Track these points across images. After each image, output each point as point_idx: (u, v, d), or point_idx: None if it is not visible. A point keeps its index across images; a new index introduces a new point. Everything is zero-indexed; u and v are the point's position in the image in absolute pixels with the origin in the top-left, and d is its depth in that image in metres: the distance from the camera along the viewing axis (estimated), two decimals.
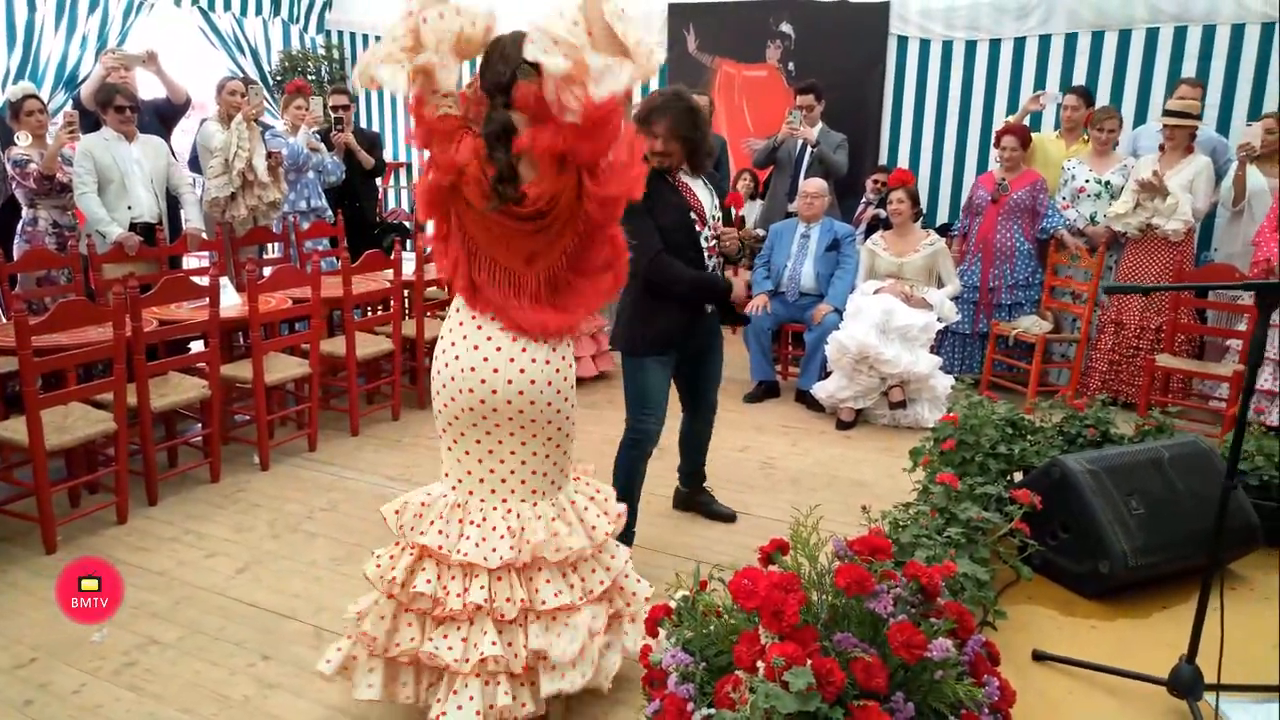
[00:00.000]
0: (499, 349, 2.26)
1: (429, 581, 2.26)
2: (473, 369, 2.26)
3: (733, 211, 3.49)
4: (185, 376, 4.19)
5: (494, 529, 2.29)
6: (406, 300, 5.51)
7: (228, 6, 7.73)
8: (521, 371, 2.26)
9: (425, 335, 5.31)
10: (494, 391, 2.26)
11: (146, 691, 2.62)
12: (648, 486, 3.44)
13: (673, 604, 2.09)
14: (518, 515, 2.32)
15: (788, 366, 5.97)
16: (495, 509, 2.33)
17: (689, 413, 3.70)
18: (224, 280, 4.33)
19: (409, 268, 5.20)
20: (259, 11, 8.05)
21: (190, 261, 5.75)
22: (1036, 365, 5.36)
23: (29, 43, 6.24)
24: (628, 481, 3.33)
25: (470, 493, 2.34)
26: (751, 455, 4.63)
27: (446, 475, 2.40)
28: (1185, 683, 2.40)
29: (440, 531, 2.29)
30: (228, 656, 2.80)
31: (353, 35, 8.88)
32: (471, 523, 2.31)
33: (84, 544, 3.54)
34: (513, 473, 2.34)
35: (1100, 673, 2.62)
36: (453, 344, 2.31)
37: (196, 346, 4.92)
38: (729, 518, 3.81)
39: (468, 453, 2.34)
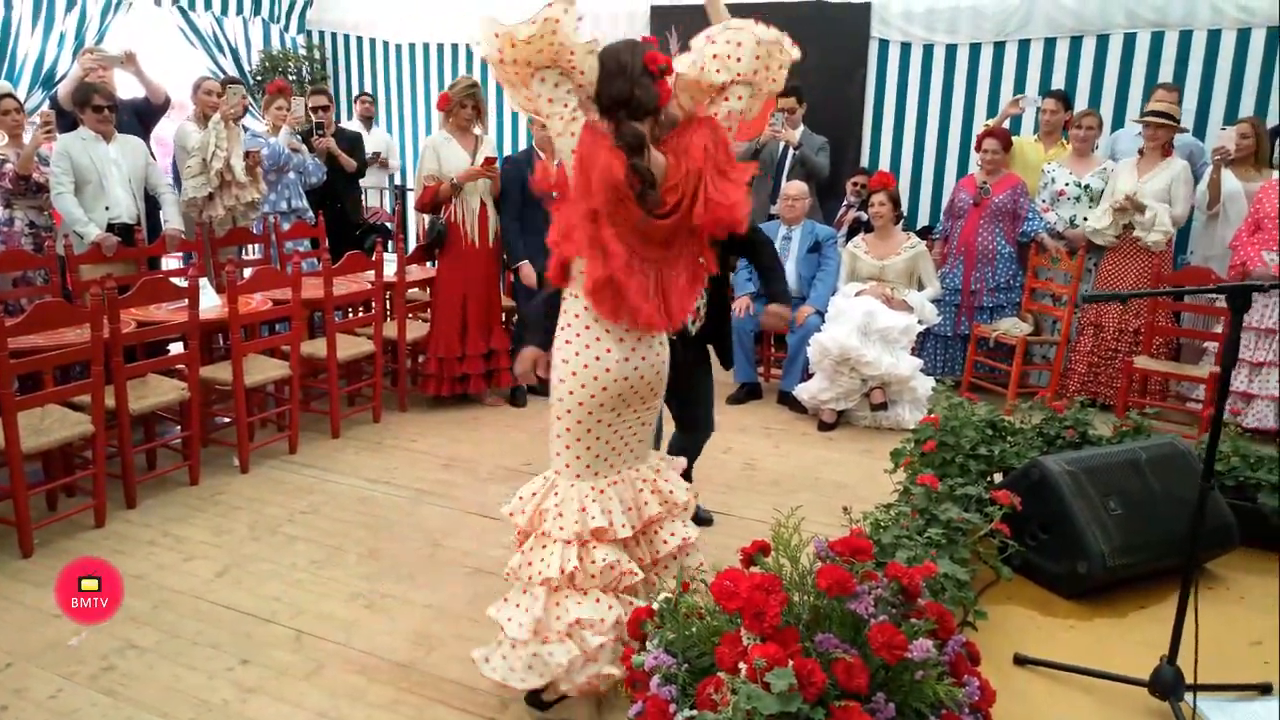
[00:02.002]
0: (620, 339, 2.40)
1: (605, 556, 2.39)
2: (597, 359, 2.39)
3: None
4: (164, 378, 4.15)
5: (618, 500, 2.48)
6: (388, 302, 5.49)
7: (208, 6, 7.68)
8: (643, 359, 2.44)
9: (406, 337, 5.29)
10: (624, 378, 2.41)
11: (124, 696, 2.60)
12: None
13: (655, 606, 2.09)
14: (629, 483, 2.53)
15: (770, 368, 5.99)
16: (615, 484, 2.50)
17: (678, 427, 3.68)
18: (203, 281, 4.30)
19: (390, 269, 5.18)
20: (239, 11, 8.00)
21: (169, 262, 5.70)
22: (1017, 367, 5.39)
23: (5, 41, 6.17)
24: None
25: (596, 474, 2.47)
26: (734, 456, 4.64)
27: (567, 467, 2.47)
28: (1166, 684, 2.42)
29: (596, 515, 2.42)
30: (206, 660, 2.78)
31: (334, 35, 8.84)
32: (610, 499, 2.47)
33: (61, 547, 3.51)
34: (627, 447, 2.53)
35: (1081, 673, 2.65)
36: (577, 335, 2.41)
37: (176, 348, 4.89)
38: (706, 521, 3.79)
39: (599, 438, 2.46)
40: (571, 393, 2.42)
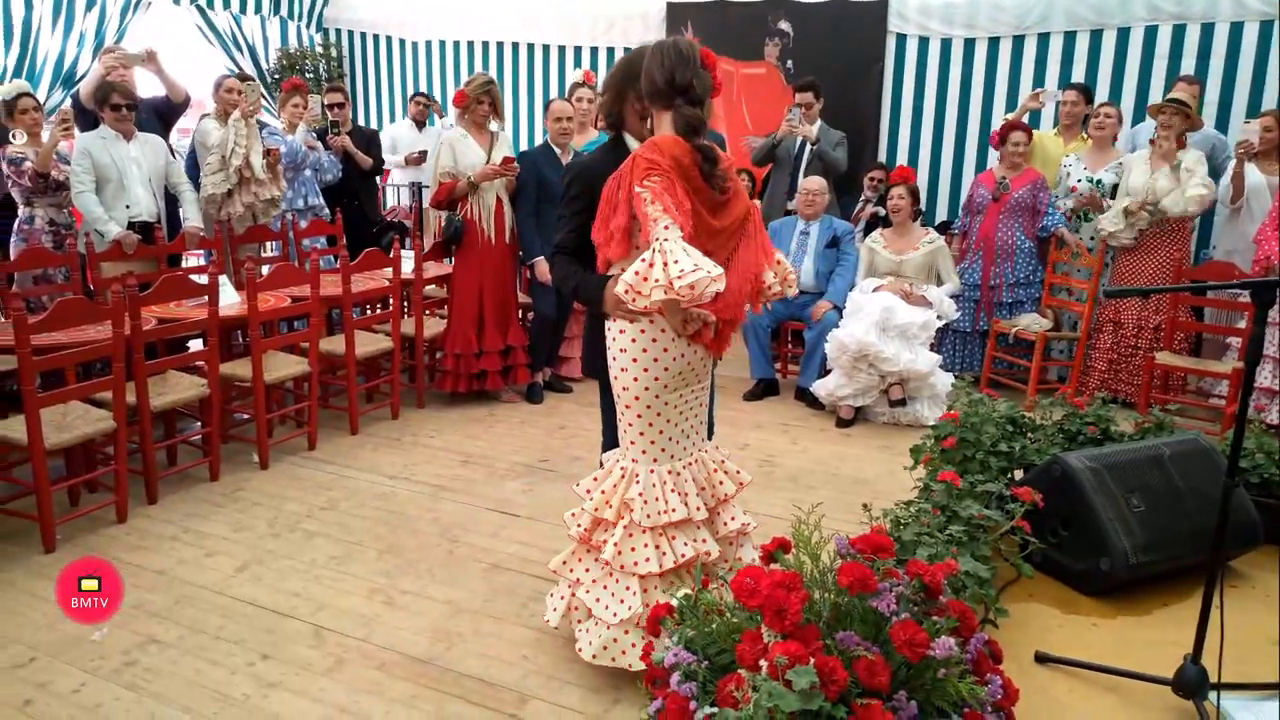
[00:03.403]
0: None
1: (687, 544, 2.56)
2: (654, 340, 2.50)
3: None
4: (184, 375, 4.18)
5: (692, 481, 2.61)
6: (405, 299, 5.51)
7: (226, 4, 7.71)
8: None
9: (424, 334, 5.31)
10: (682, 354, 2.52)
11: (146, 690, 2.62)
12: None
13: (675, 603, 2.09)
14: (701, 464, 2.67)
15: (787, 364, 5.97)
16: (689, 465, 2.63)
17: None
18: (223, 279, 4.32)
19: (408, 266, 5.20)
20: (257, 9, 8.03)
21: (189, 260, 5.73)
22: (1036, 363, 5.35)
23: (26, 41, 6.22)
24: None
25: (672, 456, 2.60)
26: (751, 453, 4.63)
27: (643, 454, 2.58)
28: (1190, 683, 2.39)
29: (680, 504, 2.55)
30: (227, 655, 2.80)
31: (350, 33, 8.87)
32: (688, 481, 2.61)
33: (83, 543, 3.54)
34: (692, 427, 2.65)
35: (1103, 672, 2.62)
36: (632, 321, 2.50)
37: (195, 345, 4.91)
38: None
39: (669, 421, 2.57)
40: (636, 379, 2.52)
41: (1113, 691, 2.57)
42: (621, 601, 2.54)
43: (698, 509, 2.58)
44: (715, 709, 1.77)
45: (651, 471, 2.56)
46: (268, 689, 2.63)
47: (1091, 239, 5.57)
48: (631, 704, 2.52)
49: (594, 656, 2.57)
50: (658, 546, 2.52)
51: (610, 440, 2.95)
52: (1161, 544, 3.07)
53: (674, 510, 2.52)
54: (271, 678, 2.69)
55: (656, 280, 2.22)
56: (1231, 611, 2.33)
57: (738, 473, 2.76)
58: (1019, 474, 3.53)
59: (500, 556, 3.46)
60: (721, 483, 2.69)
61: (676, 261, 2.21)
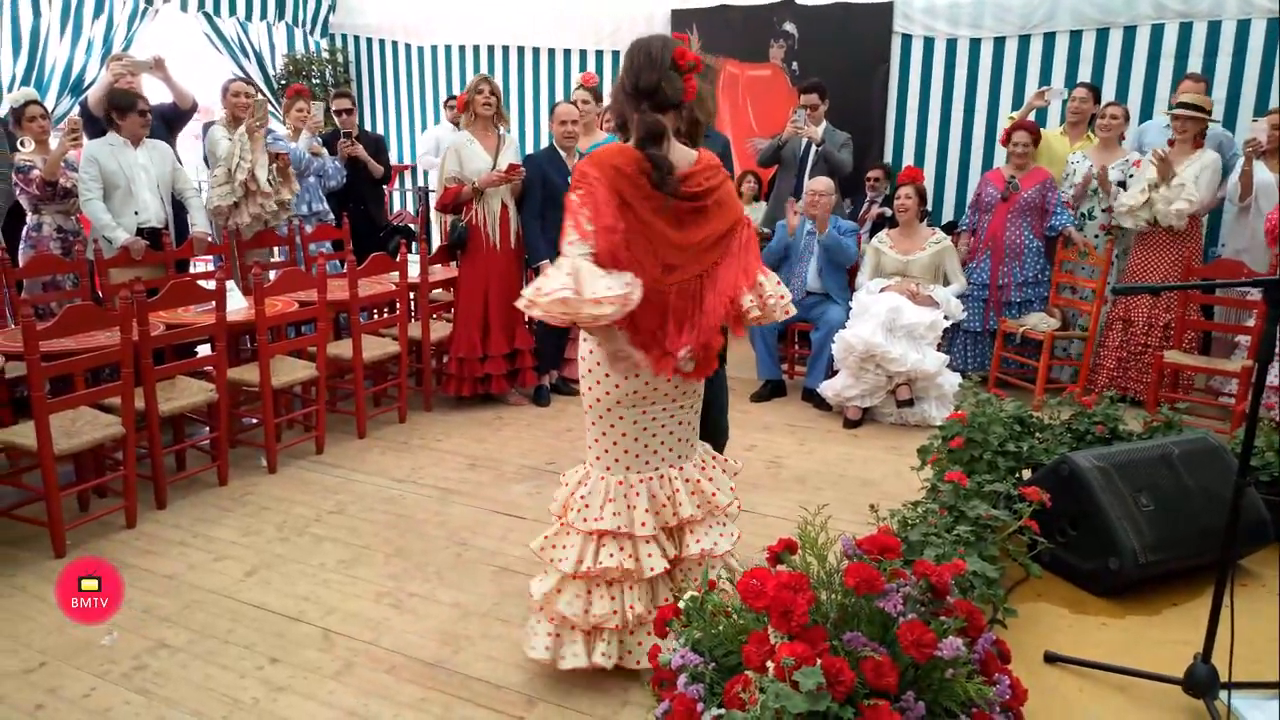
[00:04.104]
0: None
1: (612, 555, 2.52)
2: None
3: None
4: (192, 380, 4.20)
5: (647, 496, 2.56)
6: (413, 302, 5.52)
7: (232, 11, 7.75)
8: None
9: (431, 338, 5.32)
10: (636, 374, 2.49)
11: (156, 695, 2.63)
12: None
13: (681, 604, 2.09)
14: (666, 481, 2.59)
15: (794, 365, 5.97)
16: (648, 480, 2.57)
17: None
18: (230, 284, 4.34)
19: (414, 270, 5.21)
20: (263, 16, 8.06)
21: (197, 265, 5.76)
22: (1044, 362, 5.34)
23: (34, 48, 6.26)
24: None
25: (627, 468, 2.56)
26: (758, 454, 4.62)
27: (598, 460, 2.61)
28: (1201, 682, 2.38)
29: (615, 514, 2.53)
30: (237, 659, 2.81)
31: (356, 39, 8.90)
32: (637, 495, 2.56)
33: (93, 548, 3.55)
34: (663, 444, 2.59)
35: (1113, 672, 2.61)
36: (593, 334, 2.46)
37: (203, 350, 4.93)
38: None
39: (625, 434, 2.54)
40: (591, 389, 2.53)
41: (1122, 691, 2.56)
42: (540, 589, 2.62)
43: (642, 524, 2.52)
44: (722, 710, 1.76)
45: (601, 479, 2.57)
46: (277, 692, 2.64)
47: (1097, 237, 5.56)
48: (639, 706, 2.52)
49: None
50: (581, 549, 2.53)
51: None
52: (1170, 543, 3.05)
53: (602, 519, 2.51)
54: (280, 681, 2.70)
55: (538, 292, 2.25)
56: (1242, 610, 2.31)
57: (712, 495, 2.63)
58: (1027, 474, 3.52)
59: (508, 559, 3.46)
60: (682, 504, 2.58)
61: (549, 277, 2.23)
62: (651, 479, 2.58)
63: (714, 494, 2.63)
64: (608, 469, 2.57)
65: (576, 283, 2.23)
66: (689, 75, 2.36)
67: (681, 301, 2.43)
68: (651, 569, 2.52)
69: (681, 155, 2.39)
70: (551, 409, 5.39)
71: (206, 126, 5.99)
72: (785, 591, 1.78)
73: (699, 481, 2.63)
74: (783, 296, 2.52)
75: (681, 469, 2.62)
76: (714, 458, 2.78)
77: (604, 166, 2.32)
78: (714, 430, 3.41)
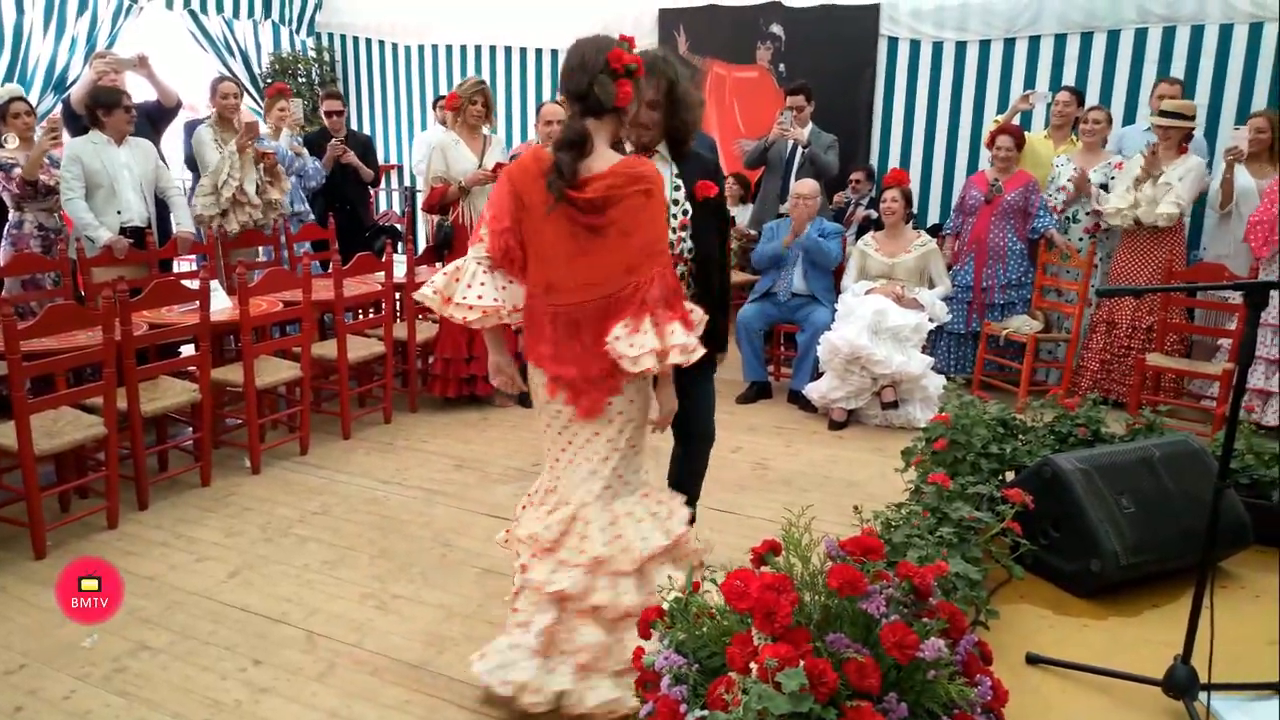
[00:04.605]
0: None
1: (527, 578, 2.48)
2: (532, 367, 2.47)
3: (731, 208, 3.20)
4: (176, 380, 4.17)
5: (553, 521, 2.46)
6: (398, 303, 5.50)
7: (218, 9, 7.71)
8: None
9: (417, 338, 5.30)
10: (542, 398, 2.46)
11: (137, 697, 2.61)
12: None
13: (665, 606, 2.09)
14: (568, 516, 2.44)
15: (780, 367, 5.98)
16: (554, 509, 2.48)
17: (676, 437, 3.13)
18: (214, 284, 4.31)
19: (400, 270, 5.19)
20: (249, 14, 8.03)
21: (180, 265, 5.73)
22: (1028, 365, 5.37)
23: (17, 46, 6.21)
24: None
25: (558, 477, 2.50)
26: (744, 456, 4.63)
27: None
28: (1181, 683, 2.40)
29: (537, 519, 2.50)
30: (219, 661, 2.79)
31: (343, 37, 8.87)
32: (537, 508, 2.52)
33: (74, 549, 3.52)
34: (575, 473, 2.47)
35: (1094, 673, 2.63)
36: None
37: (187, 350, 4.90)
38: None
39: (548, 449, 2.51)
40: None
41: (1103, 692, 2.57)
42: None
43: (530, 537, 2.45)
44: (706, 712, 1.77)
45: (543, 481, 2.58)
46: (259, 694, 2.63)
47: (1081, 240, 5.60)
48: None
49: None
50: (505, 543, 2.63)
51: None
52: (1151, 545, 3.08)
53: (517, 523, 2.55)
54: (263, 683, 2.68)
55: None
56: (1221, 612, 2.33)
57: (624, 550, 2.38)
58: (1010, 476, 3.54)
59: (493, 561, 3.45)
60: (584, 537, 2.40)
61: (435, 273, 2.29)
62: (556, 508, 2.46)
63: (625, 550, 2.38)
64: (549, 470, 2.56)
65: (448, 284, 2.29)
66: (624, 80, 2.25)
67: (556, 330, 2.33)
68: (551, 585, 2.38)
69: (600, 160, 2.26)
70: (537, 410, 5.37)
71: (190, 125, 5.96)
72: (769, 593, 1.78)
73: (617, 532, 2.41)
74: (687, 346, 2.27)
75: (594, 507, 2.44)
76: (657, 505, 2.52)
77: (518, 164, 2.32)
78: (702, 434, 3.17)
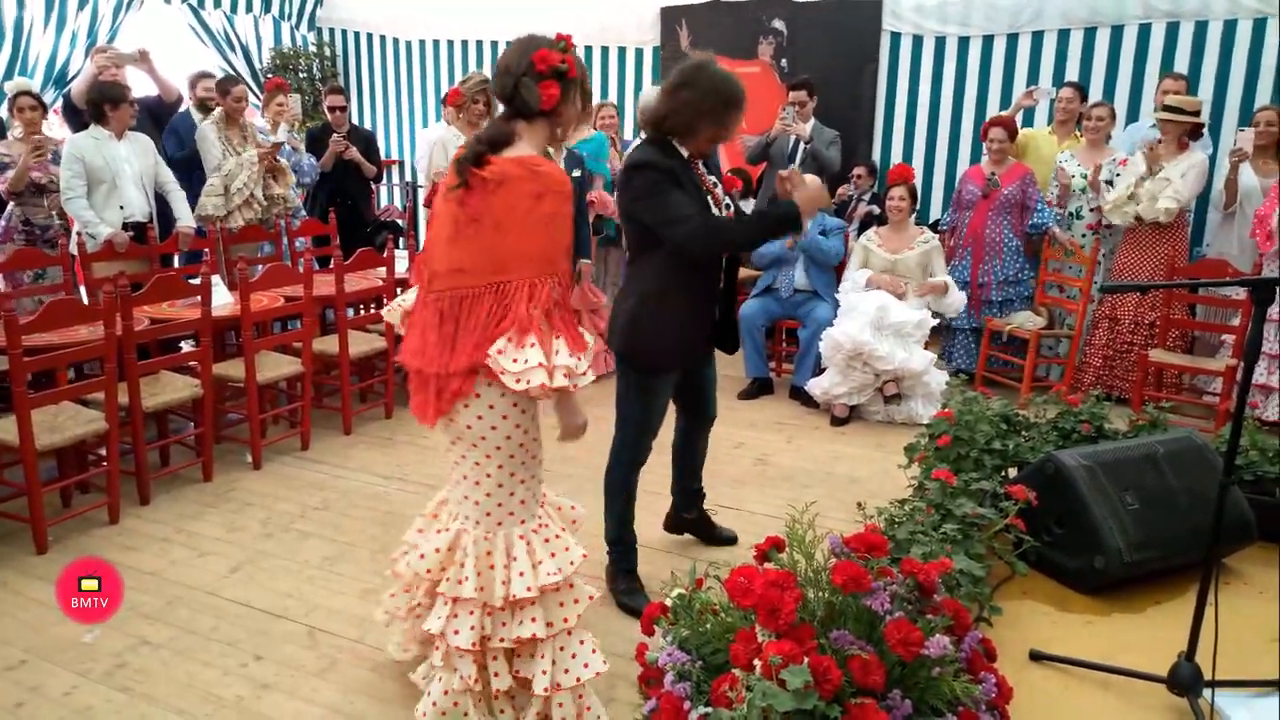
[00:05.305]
0: None
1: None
2: None
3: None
4: (177, 375, 4.16)
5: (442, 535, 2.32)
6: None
7: (218, 4, 7.69)
8: None
9: None
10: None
11: (138, 693, 2.61)
12: (643, 484, 3.35)
13: (669, 602, 2.08)
14: (462, 545, 2.25)
15: (781, 363, 5.97)
16: (449, 527, 2.31)
17: (689, 420, 3.37)
18: (216, 279, 4.31)
19: (402, 265, 5.18)
20: (249, 9, 8.01)
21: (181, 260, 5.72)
22: (1031, 361, 5.36)
23: (18, 40, 6.20)
24: (627, 499, 3.14)
25: (449, 488, 2.37)
26: (746, 452, 4.62)
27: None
28: (1185, 680, 2.40)
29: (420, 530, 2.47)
30: (220, 657, 2.79)
31: (344, 32, 8.85)
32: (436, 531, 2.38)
33: (75, 544, 3.52)
34: (454, 491, 2.32)
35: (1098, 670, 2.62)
36: None
37: (188, 345, 4.89)
38: (730, 540, 3.52)
39: (447, 452, 2.35)
40: None
41: (1107, 689, 2.57)
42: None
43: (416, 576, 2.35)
44: (709, 709, 1.76)
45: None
46: (260, 690, 2.62)
47: (1084, 236, 5.58)
48: (625, 704, 2.51)
49: None
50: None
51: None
52: (1155, 542, 3.07)
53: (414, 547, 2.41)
54: (264, 679, 2.68)
55: None
56: (1225, 609, 2.33)
57: (479, 588, 2.17)
58: (1013, 472, 3.53)
59: None
60: (443, 568, 2.26)
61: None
62: (450, 528, 2.30)
63: (461, 579, 2.19)
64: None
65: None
66: (549, 82, 2.14)
67: (427, 318, 2.20)
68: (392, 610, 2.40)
69: (514, 153, 2.14)
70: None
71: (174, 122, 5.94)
72: (773, 589, 1.78)
73: (487, 564, 2.21)
74: (576, 373, 2.11)
75: (479, 535, 2.24)
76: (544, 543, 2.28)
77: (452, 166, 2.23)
78: (713, 416, 3.38)
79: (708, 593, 2.08)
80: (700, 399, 3.30)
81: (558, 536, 2.29)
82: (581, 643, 2.26)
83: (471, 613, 2.15)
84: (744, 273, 6.26)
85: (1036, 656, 2.70)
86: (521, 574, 2.16)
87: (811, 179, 2.86)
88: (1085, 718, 2.48)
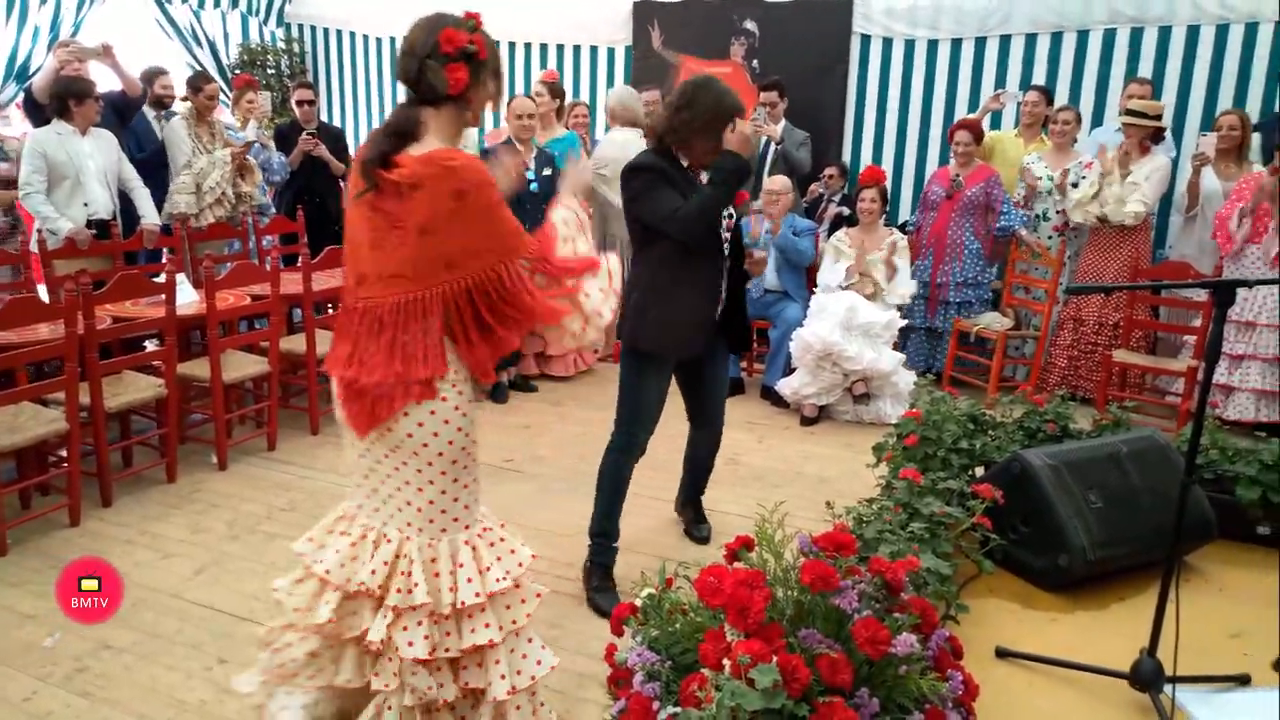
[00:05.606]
0: None
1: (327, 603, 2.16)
2: None
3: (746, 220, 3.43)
4: (141, 375, 4.11)
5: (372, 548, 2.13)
6: None
7: None
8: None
9: None
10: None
11: (99, 697, 2.56)
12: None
13: (638, 603, 2.08)
14: (406, 554, 2.08)
15: (752, 363, 5.99)
16: (373, 531, 2.15)
17: (694, 427, 3.55)
18: (181, 277, 4.25)
19: None
20: (216, 4, 7.90)
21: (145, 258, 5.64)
22: (998, 361, 5.41)
23: None
24: (615, 488, 3.22)
25: (364, 498, 2.17)
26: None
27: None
28: (1147, 675, 2.43)
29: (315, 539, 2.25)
30: (184, 660, 2.75)
31: (313, 28, 8.76)
32: (345, 535, 2.17)
33: (35, 546, 3.45)
34: (374, 492, 2.15)
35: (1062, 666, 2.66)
36: None
37: (152, 345, 4.83)
38: (704, 540, 3.64)
39: (358, 466, 2.16)
40: None
41: (1071, 685, 2.60)
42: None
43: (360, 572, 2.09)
44: (678, 709, 1.76)
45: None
46: (224, 694, 2.59)
47: (1050, 238, 5.65)
48: (595, 704, 2.51)
49: None
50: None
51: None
52: (1118, 540, 3.11)
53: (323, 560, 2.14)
54: (229, 683, 2.63)
55: None
56: (1186, 606, 2.36)
57: (413, 587, 2.03)
58: (980, 471, 3.56)
59: None
60: (360, 565, 2.10)
61: None
62: (373, 531, 2.15)
63: (411, 589, 2.03)
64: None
65: None
66: (455, 65, 1.97)
67: (360, 326, 2.04)
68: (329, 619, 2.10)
69: (422, 148, 1.98)
70: (509, 405, 5.35)
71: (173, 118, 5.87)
72: (742, 589, 1.78)
73: (396, 572, 2.07)
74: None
75: (383, 532, 2.12)
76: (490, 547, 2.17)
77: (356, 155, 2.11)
78: (709, 417, 3.52)
79: (678, 593, 2.08)
80: (703, 402, 3.46)
81: (502, 540, 2.20)
82: (530, 640, 2.21)
83: (420, 623, 2.03)
84: None
85: (1002, 654, 2.73)
86: (470, 580, 2.06)
87: (741, 129, 2.99)
88: (1050, 713, 2.51)
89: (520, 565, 2.18)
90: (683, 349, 3.19)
